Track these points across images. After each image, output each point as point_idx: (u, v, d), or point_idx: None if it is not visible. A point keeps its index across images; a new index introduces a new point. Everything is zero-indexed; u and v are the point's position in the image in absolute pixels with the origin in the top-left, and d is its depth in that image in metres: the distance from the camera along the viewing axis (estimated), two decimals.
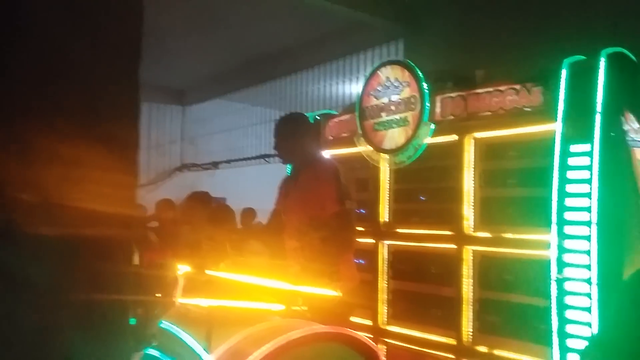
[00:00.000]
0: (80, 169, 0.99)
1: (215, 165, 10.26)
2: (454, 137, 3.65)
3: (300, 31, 7.20)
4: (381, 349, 4.01)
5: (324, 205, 3.16)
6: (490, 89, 3.42)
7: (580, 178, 2.90)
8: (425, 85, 3.73)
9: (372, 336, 3.84)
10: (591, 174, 2.86)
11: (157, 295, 2.27)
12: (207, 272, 2.66)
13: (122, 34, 1.07)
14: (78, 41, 1.01)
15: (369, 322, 4.13)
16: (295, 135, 3.36)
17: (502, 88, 3.36)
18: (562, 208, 2.97)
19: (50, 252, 0.96)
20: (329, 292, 3.01)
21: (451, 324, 3.61)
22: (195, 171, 10.86)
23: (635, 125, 2.98)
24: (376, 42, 6.84)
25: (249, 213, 7.38)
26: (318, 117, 4.78)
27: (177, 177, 10.97)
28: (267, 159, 8.69)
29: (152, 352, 2.64)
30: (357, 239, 3.39)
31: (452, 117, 3.65)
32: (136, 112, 1.10)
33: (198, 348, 2.54)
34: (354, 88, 7.12)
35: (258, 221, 7.17)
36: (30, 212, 0.95)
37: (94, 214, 1.00)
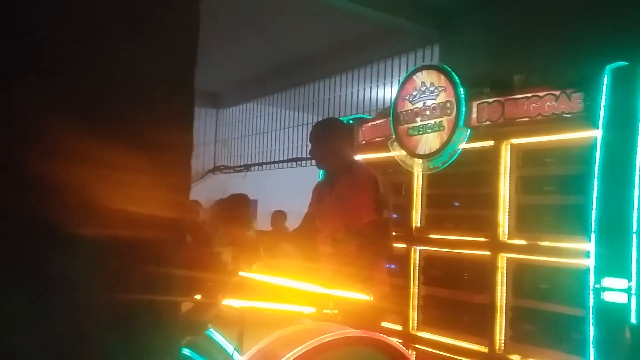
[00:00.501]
0: (130, 172, 1.01)
1: (247, 167, 10.35)
2: (490, 143, 3.60)
3: (334, 35, 7.22)
4: (411, 355, 3.98)
5: (360, 213, 3.14)
6: (529, 95, 3.37)
7: (621, 186, 2.84)
8: (461, 90, 3.70)
9: (401, 341, 3.82)
10: (633, 182, 2.80)
11: (206, 297, 2.30)
12: (240, 273, 2.68)
13: (180, 40, 1.09)
14: (135, 46, 1.03)
15: (399, 328, 4.11)
16: (331, 140, 3.33)
17: (540, 94, 3.31)
18: (601, 216, 2.91)
19: (94, 254, 0.98)
20: (360, 296, 3.00)
21: (483, 332, 3.56)
22: (228, 173, 10.96)
23: None
24: (411, 47, 6.81)
25: (280, 215, 7.41)
26: (352, 121, 4.78)
27: (210, 179, 11.09)
28: (298, 162, 8.72)
29: (185, 351, 2.68)
30: (393, 248, 3.35)
31: (488, 123, 3.60)
32: (190, 117, 1.11)
33: (230, 349, 2.56)
34: (387, 92, 7.10)
35: (286, 224, 7.20)
36: (78, 215, 0.96)
37: (145, 217, 1.02)
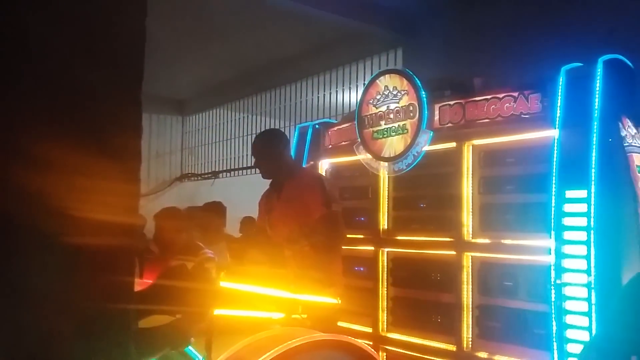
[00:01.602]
0: (83, 178, 1.01)
1: (214, 174, 10.27)
2: (452, 145, 3.67)
3: (298, 41, 7.23)
4: (381, 356, 4.01)
5: (310, 211, 3.24)
6: (488, 97, 3.44)
7: (577, 183, 2.92)
8: (423, 93, 3.75)
9: (372, 343, 3.85)
10: (590, 180, 2.88)
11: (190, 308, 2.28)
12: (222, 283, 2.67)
13: (126, 54, 1.11)
14: (83, 60, 1.05)
15: (368, 330, 4.14)
16: (271, 151, 3.45)
17: (499, 95, 3.39)
18: (560, 214, 2.99)
19: (53, 260, 0.98)
20: (328, 299, 3.02)
21: (451, 330, 3.61)
22: (195, 180, 10.87)
23: (633, 130, 3.01)
24: (375, 51, 6.86)
25: (249, 222, 7.36)
26: (317, 126, 4.80)
27: (177, 186, 10.97)
28: None
29: None
30: (345, 239, 3.47)
31: (450, 125, 3.67)
32: (137, 124, 1.13)
33: (198, 357, 2.54)
34: (352, 96, 7.15)
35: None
36: (34, 220, 0.96)
37: (98, 223, 1.02)
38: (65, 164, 0.99)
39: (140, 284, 2.47)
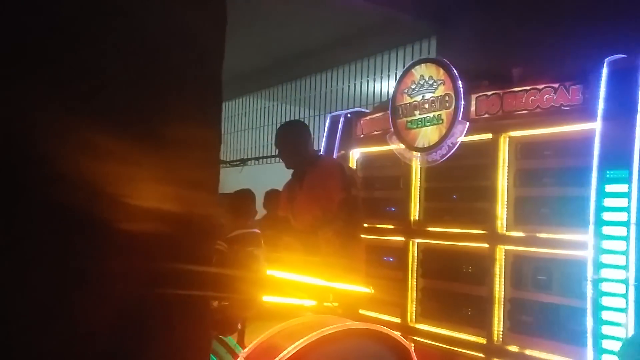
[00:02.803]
0: (156, 169, 1.03)
1: (243, 162, 10.33)
2: (488, 136, 3.62)
3: (331, 29, 7.19)
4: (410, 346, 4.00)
5: (331, 196, 3.33)
6: (527, 87, 3.38)
7: (619, 177, 2.86)
8: (460, 84, 3.71)
9: (400, 334, 3.84)
10: (631, 174, 2.81)
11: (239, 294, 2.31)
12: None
13: (207, 31, 1.13)
14: (162, 34, 1.07)
15: (397, 320, 4.13)
16: (295, 142, 3.59)
17: (539, 86, 3.32)
18: (600, 208, 2.93)
19: (125, 247, 1.00)
20: (361, 288, 3.02)
21: (481, 323, 3.59)
22: (224, 167, 10.95)
23: None
24: (407, 40, 6.80)
25: (274, 195, 7.22)
26: (349, 115, 4.78)
27: None
28: None
29: None
30: (363, 224, 3.65)
31: (487, 116, 3.62)
32: (218, 119, 1.16)
33: (232, 342, 2.57)
34: (385, 86, 7.10)
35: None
36: (109, 209, 0.98)
37: (173, 213, 1.04)
38: (139, 154, 1.02)
39: None
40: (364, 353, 2.50)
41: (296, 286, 2.67)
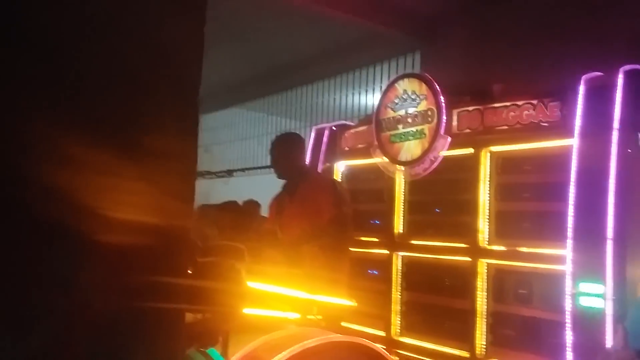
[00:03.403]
0: (133, 180, 1.04)
1: (229, 173, 10.32)
2: (470, 151, 3.67)
3: (317, 42, 7.26)
4: None
5: (320, 211, 3.31)
6: (508, 104, 3.45)
7: (597, 193, 2.91)
8: (442, 99, 3.76)
9: (384, 347, 3.86)
10: (608, 190, 2.87)
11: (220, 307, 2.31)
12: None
13: (185, 60, 1.16)
14: (138, 52, 1.10)
15: (382, 333, 4.15)
16: (290, 154, 3.56)
17: (519, 103, 3.39)
18: (578, 223, 2.98)
19: (102, 258, 1.01)
20: (344, 301, 3.04)
21: (464, 337, 3.61)
22: (210, 179, 10.93)
23: None
24: (392, 54, 6.88)
25: (253, 205, 7.16)
26: (334, 128, 4.82)
27: None
28: None
29: None
30: (352, 240, 3.60)
31: (468, 131, 3.67)
32: (195, 127, 1.18)
33: (215, 355, 2.57)
34: (370, 99, 7.16)
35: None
36: (86, 219, 1.00)
37: (148, 223, 1.05)
38: (118, 164, 1.03)
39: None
40: None
41: (279, 298, 2.68)
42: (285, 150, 3.58)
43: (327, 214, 3.30)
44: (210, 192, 10.23)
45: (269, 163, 3.77)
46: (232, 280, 2.37)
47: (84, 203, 0.99)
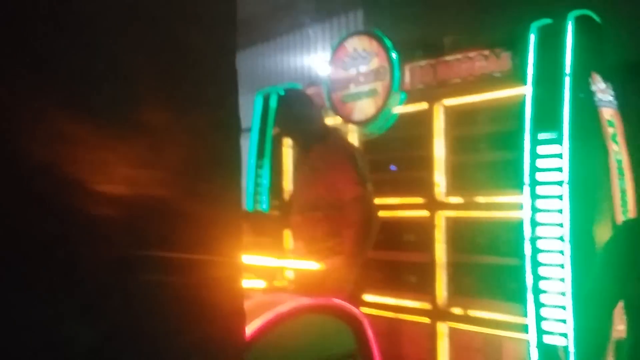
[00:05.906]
0: (125, 154, 1.01)
1: None
2: (424, 106, 3.67)
3: (256, 2, 7.06)
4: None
5: (339, 188, 3.03)
6: (459, 56, 3.44)
7: (550, 139, 2.97)
8: (394, 55, 3.73)
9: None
10: (561, 135, 2.93)
11: None
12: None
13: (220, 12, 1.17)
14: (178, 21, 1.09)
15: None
16: (299, 110, 3.21)
17: (470, 54, 3.39)
18: (533, 169, 3.04)
19: (92, 232, 0.99)
20: (311, 265, 3.01)
21: (426, 289, 3.67)
22: None
23: (602, 85, 3.06)
24: (334, 13, 6.76)
25: None
26: (283, 92, 4.71)
27: None
28: None
29: None
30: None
31: (421, 86, 3.66)
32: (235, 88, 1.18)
33: None
34: (314, 60, 7.05)
35: None
36: (74, 193, 0.96)
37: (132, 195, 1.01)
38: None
39: None
40: (320, 327, 2.49)
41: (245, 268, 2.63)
42: (292, 107, 3.26)
43: (350, 194, 2.99)
44: None
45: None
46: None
47: (72, 177, 0.93)
